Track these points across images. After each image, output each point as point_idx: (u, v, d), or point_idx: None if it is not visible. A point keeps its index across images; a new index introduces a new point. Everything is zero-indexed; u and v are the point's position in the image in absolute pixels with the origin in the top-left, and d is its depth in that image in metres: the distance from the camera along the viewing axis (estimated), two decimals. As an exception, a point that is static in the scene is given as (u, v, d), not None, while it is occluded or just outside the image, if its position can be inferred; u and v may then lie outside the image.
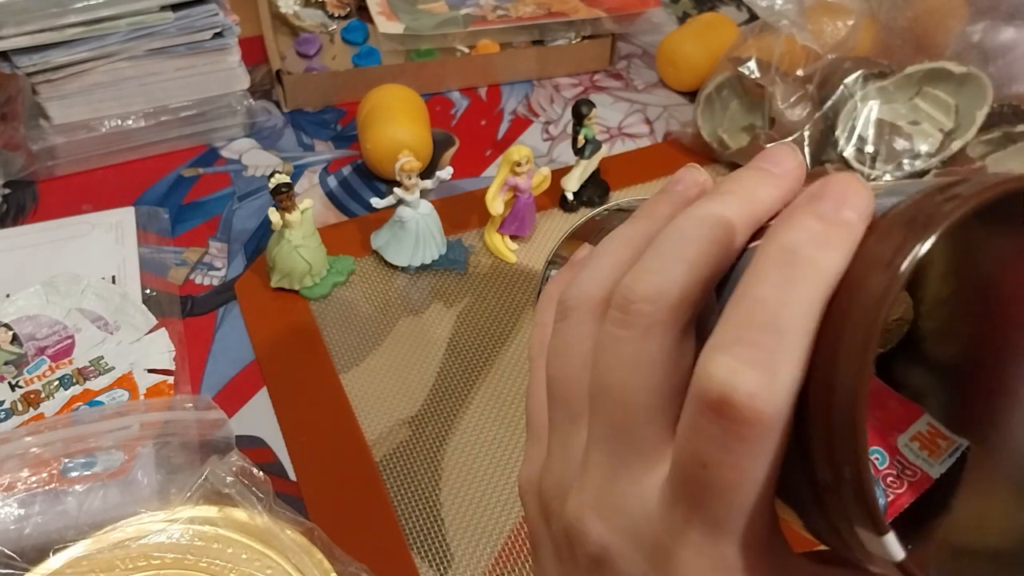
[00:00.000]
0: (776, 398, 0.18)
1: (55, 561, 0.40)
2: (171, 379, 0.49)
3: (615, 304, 0.21)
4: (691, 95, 0.75)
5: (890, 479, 0.23)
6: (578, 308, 0.24)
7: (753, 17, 0.74)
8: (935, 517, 0.22)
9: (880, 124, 0.61)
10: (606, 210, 0.30)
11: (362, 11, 0.80)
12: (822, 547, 0.22)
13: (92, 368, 0.49)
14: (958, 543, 0.22)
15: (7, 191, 0.63)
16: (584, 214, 0.27)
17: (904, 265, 0.16)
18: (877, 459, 0.23)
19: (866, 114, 0.61)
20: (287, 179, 0.52)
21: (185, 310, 0.56)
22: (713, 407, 0.18)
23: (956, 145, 0.59)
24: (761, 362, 0.18)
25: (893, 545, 0.17)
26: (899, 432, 0.23)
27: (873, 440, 0.24)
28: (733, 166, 0.66)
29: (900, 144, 0.60)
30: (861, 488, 0.17)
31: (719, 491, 0.19)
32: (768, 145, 0.62)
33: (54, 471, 0.43)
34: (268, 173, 0.53)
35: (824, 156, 0.62)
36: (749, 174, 0.22)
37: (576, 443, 0.23)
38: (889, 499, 0.22)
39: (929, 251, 0.16)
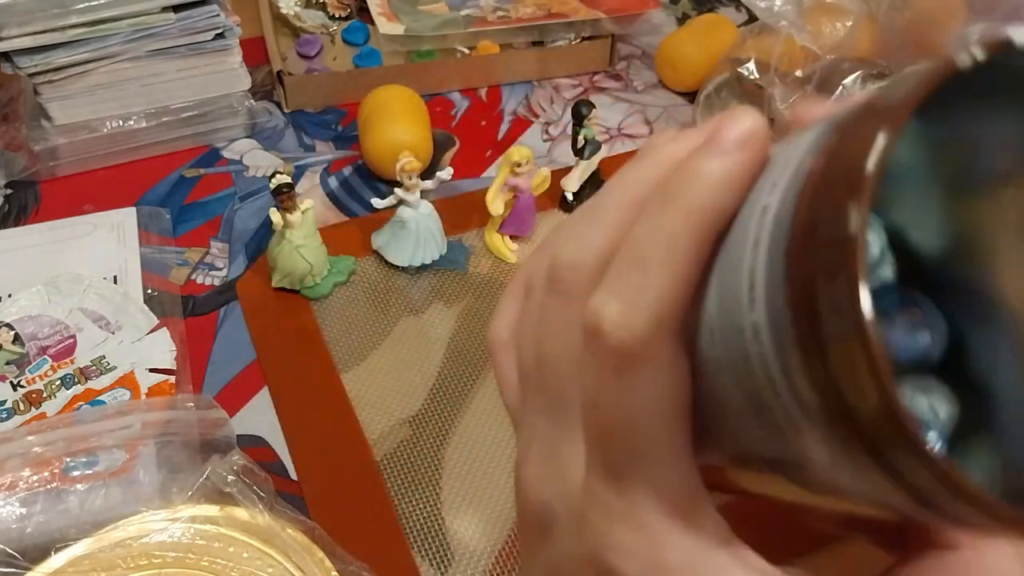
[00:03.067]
0: (638, 325, 0.18)
1: (57, 560, 0.40)
2: (172, 379, 0.49)
3: (546, 275, 0.22)
4: (691, 96, 0.75)
5: None
6: (533, 286, 0.25)
7: (752, 18, 0.74)
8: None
9: (879, 125, 0.61)
10: None
11: (363, 12, 0.80)
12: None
13: (94, 368, 0.49)
14: None
15: (9, 191, 0.64)
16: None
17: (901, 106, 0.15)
18: None
19: (865, 115, 0.61)
20: (288, 179, 0.52)
21: (186, 310, 0.56)
22: (589, 337, 0.19)
23: (955, 145, 0.59)
24: (625, 293, 0.19)
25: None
26: None
27: None
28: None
29: (899, 145, 0.60)
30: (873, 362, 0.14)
31: (611, 431, 0.19)
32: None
33: (56, 470, 0.43)
34: (269, 173, 0.53)
35: (823, 157, 0.62)
36: (673, 140, 0.22)
37: (531, 419, 0.24)
38: None
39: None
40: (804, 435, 0.17)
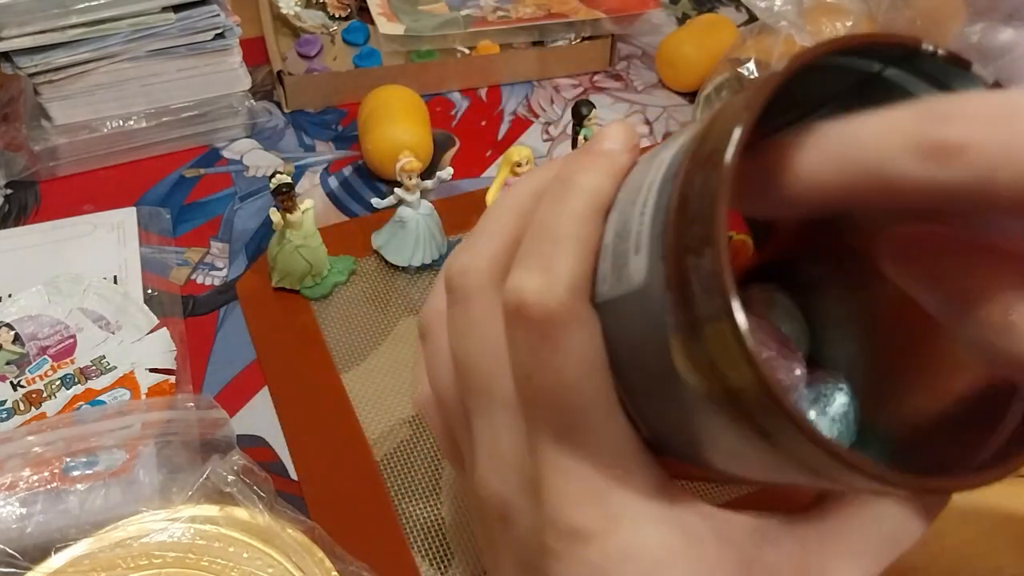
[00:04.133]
0: (558, 291, 0.20)
1: (57, 560, 0.40)
2: (173, 379, 0.49)
3: (445, 285, 0.24)
4: (691, 96, 0.75)
5: None
6: (430, 324, 0.27)
7: (752, 18, 0.74)
8: None
9: (879, 125, 0.61)
10: None
11: (363, 12, 0.80)
12: None
13: (94, 368, 0.49)
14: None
15: (9, 191, 0.64)
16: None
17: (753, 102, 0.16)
18: None
19: (865, 115, 0.61)
20: (288, 179, 0.52)
21: (187, 310, 0.56)
22: (513, 315, 0.21)
23: (955, 146, 0.59)
24: (541, 266, 0.20)
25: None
26: None
27: None
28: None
29: (899, 145, 0.60)
30: (732, 325, 0.15)
31: (548, 400, 0.20)
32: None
33: (56, 470, 0.43)
34: (269, 174, 0.53)
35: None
36: (571, 156, 0.24)
37: (467, 435, 0.25)
38: None
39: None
40: (688, 401, 0.18)
